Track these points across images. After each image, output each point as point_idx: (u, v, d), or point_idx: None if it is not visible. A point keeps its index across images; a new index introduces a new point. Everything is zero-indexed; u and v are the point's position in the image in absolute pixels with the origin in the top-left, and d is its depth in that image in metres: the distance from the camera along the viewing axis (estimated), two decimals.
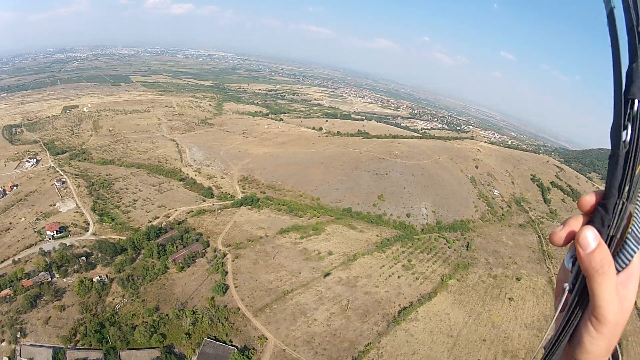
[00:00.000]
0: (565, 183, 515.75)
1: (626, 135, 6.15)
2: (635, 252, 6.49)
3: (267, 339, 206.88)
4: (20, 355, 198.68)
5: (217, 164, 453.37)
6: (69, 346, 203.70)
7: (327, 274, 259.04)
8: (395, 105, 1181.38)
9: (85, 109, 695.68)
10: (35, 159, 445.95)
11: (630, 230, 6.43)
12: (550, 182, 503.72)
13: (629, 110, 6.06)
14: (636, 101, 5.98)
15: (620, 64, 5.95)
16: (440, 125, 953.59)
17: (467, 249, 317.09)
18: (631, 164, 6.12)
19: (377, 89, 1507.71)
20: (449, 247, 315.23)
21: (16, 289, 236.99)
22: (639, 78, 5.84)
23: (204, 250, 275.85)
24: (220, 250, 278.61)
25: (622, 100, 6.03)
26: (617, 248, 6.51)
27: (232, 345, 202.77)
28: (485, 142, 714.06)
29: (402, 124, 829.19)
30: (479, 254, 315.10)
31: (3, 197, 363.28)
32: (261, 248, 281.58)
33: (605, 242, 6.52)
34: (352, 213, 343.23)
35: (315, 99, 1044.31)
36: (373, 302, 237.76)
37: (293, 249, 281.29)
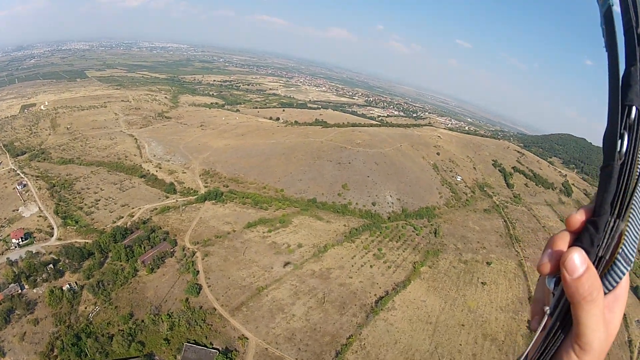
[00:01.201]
0: (527, 167, 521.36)
1: (621, 145, 5.63)
2: (624, 274, 5.99)
3: (247, 338, 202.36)
4: None
5: (177, 159, 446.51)
6: None
7: (299, 268, 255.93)
8: (351, 93, 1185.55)
9: (42, 107, 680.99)
10: None
11: (620, 250, 5.82)
12: (512, 167, 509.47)
13: (625, 118, 5.55)
14: (634, 108, 5.50)
15: (618, 67, 5.45)
16: (396, 113, 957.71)
17: (435, 236, 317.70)
18: (626, 177, 5.60)
19: (332, 78, 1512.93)
20: (417, 235, 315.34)
21: None
22: (637, 82, 5.39)
23: (172, 250, 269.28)
24: (188, 248, 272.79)
25: (618, 106, 5.54)
26: (605, 269, 5.96)
27: (213, 348, 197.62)
28: (443, 128, 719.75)
29: (358, 112, 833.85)
30: (447, 240, 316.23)
31: None
32: (230, 244, 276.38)
33: (593, 263, 6.13)
34: (318, 203, 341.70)
35: (270, 89, 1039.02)
36: (349, 293, 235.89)
37: (262, 243, 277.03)
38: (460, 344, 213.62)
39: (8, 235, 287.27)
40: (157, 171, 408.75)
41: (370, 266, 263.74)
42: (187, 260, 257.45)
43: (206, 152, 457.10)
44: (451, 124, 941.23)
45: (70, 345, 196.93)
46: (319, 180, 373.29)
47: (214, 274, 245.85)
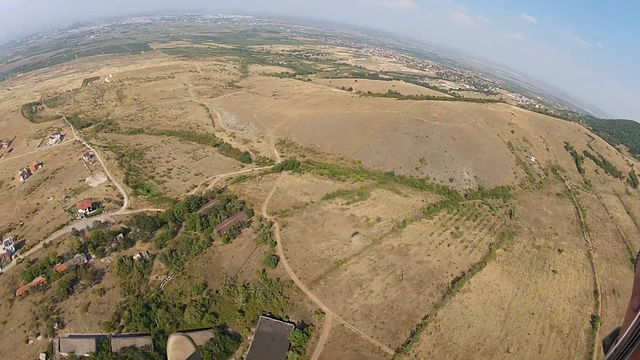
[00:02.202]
0: (597, 153, 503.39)
1: None
2: None
3: (324, 313, 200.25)
4: (59, 350, 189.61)
5: (251, 128, 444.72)
6: (113, 334, 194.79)
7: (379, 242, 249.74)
8: (421, 65, 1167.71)
9: (106, 80, 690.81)
10: (59, 135, 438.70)
11: None
12: (583, 152, 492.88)
13: None
14: None
15: None
16: (467, 86, 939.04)
17: (510, 217, 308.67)
18: None
19: (401, 49, 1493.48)
20: (493, 215, 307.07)
21: (50, 275, 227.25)
22: None
23: (249, 220, 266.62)
24: (266, 218, 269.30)
25: None
26: None
27: (289, 322, 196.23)
28: (515, 105, 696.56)
29: (430, 84, 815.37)
30: (521, 223, 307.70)
31: (28, 177, 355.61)
32: (308, 215, 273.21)
33: None
34: (395, 177, 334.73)
35: (340, 59, 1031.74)
36: (426, 271, 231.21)
37: (341, 216, 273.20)
38: (529, 333, 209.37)
39: (74, 206, 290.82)
40: (231, 140, 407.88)
41: (448, 245, 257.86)
42: (264, 230, 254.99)
43: (281, 122, 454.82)
44: (522, 101, 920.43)
45: (139, 315, 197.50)
46: (396, 153, 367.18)
47: (292, 245, 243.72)
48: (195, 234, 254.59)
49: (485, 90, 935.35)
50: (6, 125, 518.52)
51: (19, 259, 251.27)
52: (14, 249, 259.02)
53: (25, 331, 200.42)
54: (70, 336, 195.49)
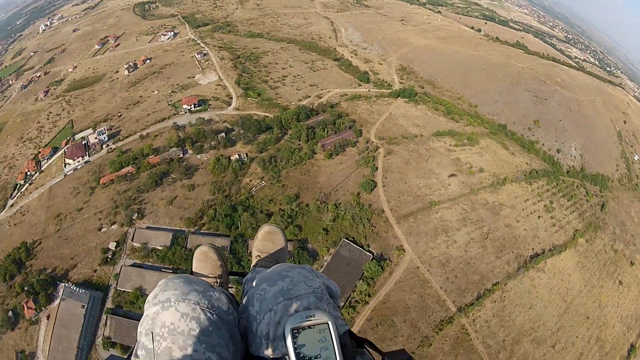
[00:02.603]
0: None
1: None
2: None
3: (404, 251, 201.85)
4: (132, 240, 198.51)
5: (374, 49, 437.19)
6: (192, 230, 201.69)
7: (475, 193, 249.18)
8: (551, 24, 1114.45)
9: None
10: (172, 32, 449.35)
11: None
12: None
13: None
14: None
15: None
16: (592, 60, 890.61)
17: (601, 209, 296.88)
18: None
19: (533, 1, 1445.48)
20: (587, 200, 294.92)
21: (140, 166, 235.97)
22: None
23: (355, 140, 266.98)
24: (372, 142, 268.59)
25: None
26: None
27: (368, 251, 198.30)
28: (632, 96, 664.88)
29: (557, 46, 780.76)
30: (609, 219, 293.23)
31: (134, 71, 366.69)
32: (415, 148, 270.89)
33: None
34: (507, 131, 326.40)
35: None
36: (511, 237, 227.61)
37: (446, 156, 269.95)
38: (577, 337, 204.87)
39: (179, 101, 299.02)
40: (352, 57, 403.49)
41: (538, 217, 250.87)
42: (368, 153, 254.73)
43: (405, 48, 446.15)
44: (637, 93, 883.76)
45: (224, 215, 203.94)
46: (513, 107, 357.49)
47: (392, 174, 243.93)
48: (299, 144, 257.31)
49: (608, 69, 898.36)
50: (115, 21, 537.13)
51: (110, 148, 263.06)
52: (106, 138, 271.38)
53: (100, 219, 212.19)
54: (147, 227, 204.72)
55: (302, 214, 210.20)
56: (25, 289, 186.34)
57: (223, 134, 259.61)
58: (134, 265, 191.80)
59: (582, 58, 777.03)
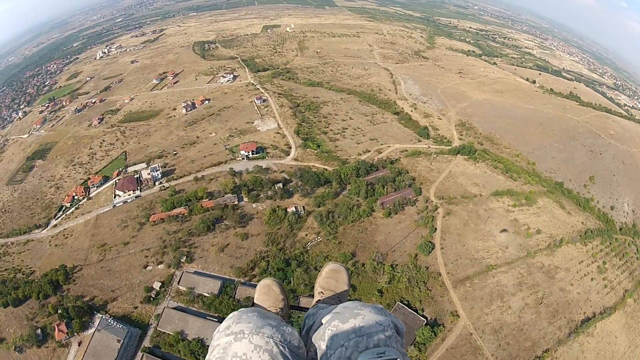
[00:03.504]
0: None
1: None
2: None
3: (459, 316, 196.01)
4: (178, 283, 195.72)
5: (434, 102, 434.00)
6: (242, 280, 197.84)
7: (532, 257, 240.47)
8: (601, 70, 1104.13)
9: (288, 29, 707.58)
10: (231, 75, 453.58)
11: None
12: None
13: None
14: None
15: None
16: None
17: None
18: None
19: (583, 48, 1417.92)
20: (637, 258, 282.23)
21: (193, 209, 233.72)
22: None
23: (415, 198, 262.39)
24: (432, 201, 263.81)
25: None
26: None
27: (422, 316, 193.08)
28: None
29: (607, 94, 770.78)
30: None
31: (192, 110, 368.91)
32: (473, 208, 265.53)
33: None
34: (564, 189, 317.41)
35: (525, 47, 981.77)
36: (564, 302, 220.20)
37: (505, 217, 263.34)
38: None
39: (237, 146, 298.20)
40: (411, 111, 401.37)
41: (591, 279, 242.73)
42: (427, 213, 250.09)
43: (464, 102, 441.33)
44: None
45: (276, 269, 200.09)
46: (569, 163, 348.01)
47: (451, 236, 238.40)
48: (357, 200, 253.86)
49: None
50: (174, 58, 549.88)
51: (163, 186, 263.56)
52: (160, 175, 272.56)
53: (147, 257, 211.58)
54: (195, 272, 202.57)
55: (358, 273, 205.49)
56: (59, 311, 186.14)
57: (280, 185, 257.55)
58: (177, 308, 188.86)
59: (631, 105, 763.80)
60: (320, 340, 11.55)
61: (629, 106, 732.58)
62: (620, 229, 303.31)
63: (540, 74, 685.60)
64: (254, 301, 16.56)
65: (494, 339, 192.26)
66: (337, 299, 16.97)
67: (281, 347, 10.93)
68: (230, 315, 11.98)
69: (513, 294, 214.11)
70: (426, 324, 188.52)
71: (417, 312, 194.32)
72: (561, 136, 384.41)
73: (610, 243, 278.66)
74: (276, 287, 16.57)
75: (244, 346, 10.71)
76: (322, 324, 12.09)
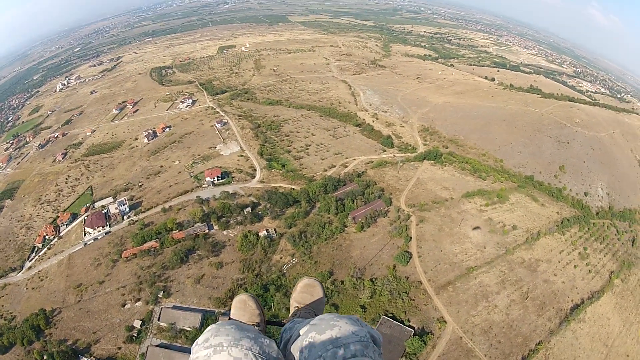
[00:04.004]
0: None
1: None
2: None
3: (446, 322, 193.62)
4: (159, 319, 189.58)
5: (394, 110, 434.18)
6: (222, 311, 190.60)
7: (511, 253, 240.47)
8: (559, 60, 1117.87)
9: (243, 49, 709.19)
10: (190, 100, 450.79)
11: None
12: None
13: None
14: None
15: None
16: (603, 90, 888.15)
17: (632, 245, 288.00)
18: None
19: (540, 41, 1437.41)
20: (618, 239, 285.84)
21: (164, 241, 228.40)
22: None
23: (386, 209, 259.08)
24: (403, 210, 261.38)
25: None
26: None
27: (409, 327, 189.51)
28: None
29: (568, 83, 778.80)
30: None
31: (153, 139, 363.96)
32: (446, 212, 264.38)
33: None
34: (534, 182, 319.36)
35: (481, 46, 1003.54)
36: (550, 293, 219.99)
37: (478, 217, 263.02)
38: None
39: (201, 173, 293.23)
40: (373, 121, 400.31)
41: (574, 266, 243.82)
42: (400, 223, 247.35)
43: (425, 108, 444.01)
44: None
45: (255, 296, 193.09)
46: (537, 156, 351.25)
47: (427, 243, 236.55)
48: (329, 217, 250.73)
49: (618, 96, 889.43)
50: (132, 86, 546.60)
51: (132, 220, 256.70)
52: (127, 209, 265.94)
53: (123, 294, 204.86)
54: (174, 307, 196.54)
55: (338, 291, 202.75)
56: (45, 357, 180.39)
57: (249, 209, 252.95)
58: (161, 345, 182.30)
59: (594, 90, 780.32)
60: (298, 352, 11.71)
61: (591, 92, 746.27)
62: (597, 213, 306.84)
63: (498, 70, 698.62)
64: (230, 317, 16.48)
65: (484, 340, 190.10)
66: (312, 312, 17.21)
67: (260, 359, 11.12)
68: (209, 328, 12.36)
69: (497, 292, 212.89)
70: (414, 334, 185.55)
71: (404, 324, 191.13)
72: (526, 130, 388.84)
73: (588, 229, 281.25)
74: (252, 302, 16.65)
75: (223, 358, 10.86)
76: (299, 335, 12.21)
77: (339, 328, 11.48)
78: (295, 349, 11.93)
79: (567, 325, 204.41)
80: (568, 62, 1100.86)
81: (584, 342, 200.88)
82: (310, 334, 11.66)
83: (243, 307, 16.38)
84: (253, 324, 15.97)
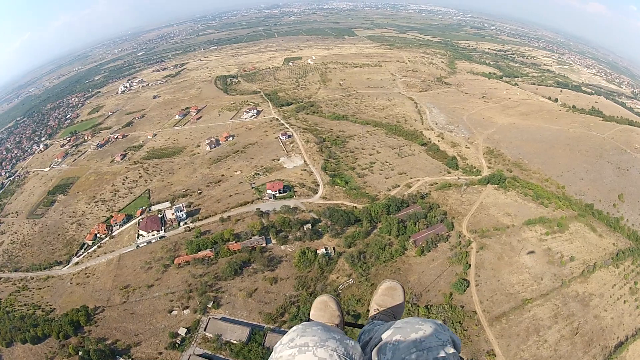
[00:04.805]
0: None
1: None
2: None
3: (495, 355, 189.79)
4: (205, 329, 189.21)
5: (460, 130, 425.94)
6: (271, 327, 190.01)
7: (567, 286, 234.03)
8: (618, 80, 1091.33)
9: (309, 61, 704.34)
10: (255, 110, 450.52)
11: None
12: None
13: None
14: None
15: None
16: None
17: None
18: None
19: (599, 59, 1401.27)
20: None
21: (219, 252, 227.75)
22: None
23: (447, 234, 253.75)
24: (465, 236, 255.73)
25: None
26: None
27: (459, 358, 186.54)
28: None
29: (626, 104, 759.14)
30: None
31: (216, 147, 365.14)
32: (507, 240, 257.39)
33: None
34: (594, 211, 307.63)
35: (544, 64, 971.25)
36: (598, 329, 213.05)
37: (538, 247, 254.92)
38: None
39: (263, 185, 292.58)
40: (439, 141, 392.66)
41: (624, 302, 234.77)
42: (461, 249, 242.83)
43: (490, 129, 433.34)
44: None
45: (307, 314, 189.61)
46: (598, 183, 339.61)
47: (485, 272, 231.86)
48: (389, 239, 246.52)
49: None
50: (196, 93, 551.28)
51: (188, 227, 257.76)
52: (184, 215, 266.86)
53: (172, 300, 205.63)
54: (222, 318, 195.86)
55: None
56: (80, 353, 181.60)
57: (309, 225, 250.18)
58: (204, 355, 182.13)
59: None
60: (382, 354, 11.65)
61: None
62: None
63: (561, 91, 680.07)
64: (310, 317, 16.85)
65: None
66: (392, 315, 17.64)
67: None
68: (294, 328, 12.02)
69: (549, 327, 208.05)
70: None
71: None
72: (588, 155, 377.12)
73: None
74: (332, 304, 16.80)
75: (308, 358, 10.71)
76: (381, 339, 12.18)
77: (424, 332, 11.63)
78: (378, 352, 11.90)
79: None
80: (626, 83, 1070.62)
81: None
82: (395, 336, 11.78)
83: (324, 308, 16.73)
84: (333, 325, 16.01)
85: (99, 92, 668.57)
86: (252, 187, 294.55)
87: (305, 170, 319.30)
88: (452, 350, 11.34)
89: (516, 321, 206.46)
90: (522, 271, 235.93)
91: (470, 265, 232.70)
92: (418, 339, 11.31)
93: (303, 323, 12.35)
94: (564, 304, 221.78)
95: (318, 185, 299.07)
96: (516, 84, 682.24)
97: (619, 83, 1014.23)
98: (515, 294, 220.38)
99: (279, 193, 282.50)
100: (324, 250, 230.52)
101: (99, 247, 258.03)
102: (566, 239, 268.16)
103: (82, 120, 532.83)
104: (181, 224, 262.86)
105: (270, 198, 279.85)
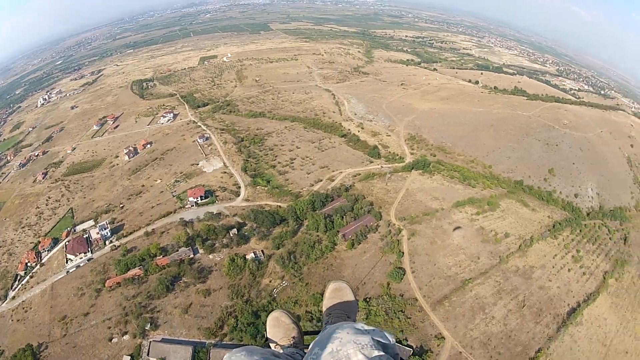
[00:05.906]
0: None
1: None
2: None
3: (444, 338, 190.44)
4: (148, 354, 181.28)
5: (380, 119, 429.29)
6: (213, 342, 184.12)
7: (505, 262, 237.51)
8: (542, 59, 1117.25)
9: (225, 59, 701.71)
10: (171, 114, 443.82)
11: None
12: None
13: None
14: None
15: None
16: (586, 87, 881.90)
17: (624, 243, 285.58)
18: None
19: (521, 41, 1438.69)
20: (610, 238, 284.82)
21: (148, 268, 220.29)
22: None
23: (376, 225, 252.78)
24: (394, 224, 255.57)
25: None
26: None
27: (407, 346, 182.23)
28: (632, 114, 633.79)
29: (551, 82, 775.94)
30: (633, 250, 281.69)
31: (134, 156, 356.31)
32: (437, 224, 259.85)
33: None
34: (524, 187, 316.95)
35: (463, 48, 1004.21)
36: (546, 299, 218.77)
37: (470, 227, 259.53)
38: None
39: (184, 192, 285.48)
40: (359, 131, 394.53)
41: (568, 270, 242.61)
42: (391, 238, 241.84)
43: (411, 115, 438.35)
44: (634, 107, 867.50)
45: (246, 324, 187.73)
46: (526, 160, 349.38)
47: (419, 257, 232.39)
48: (318, 236, 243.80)
49: (602, 92, 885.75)
50: (113, 100, 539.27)
51: (114, 245, 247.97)
52: (109, 233, 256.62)
53: (109, 327, 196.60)
54: (163, 340, 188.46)
55: None
56: None
57: (235, 230, 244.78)
58: None
59: (577, 88, 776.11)
60: None
61: (575, 90, 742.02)
62: (588, 214, 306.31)
63: (482, 73, 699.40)
64: (267, 336, 16.90)
65: (484, 352, 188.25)
66: (345, 315, 17.37)
67: None
68: (224, 357, 12.20)
69: (494, 303, 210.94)
70: (413, 353, 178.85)
71: (402, 343, 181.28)
72: (514, 135, 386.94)
73: (580, 230, 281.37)
74: (285, 318, 17.03)
75: None
76: (309, 352, 12.15)
77: (340, 340, 11.33)
78: None
79: (565, 330, 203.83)
80: (550, 61, 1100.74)
81: (582, 345, 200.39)
82: (314, 350, 11.57)
83: (277, 324, 17.01)
84: (289, 339, 16.35)
85: (20, 106, 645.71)
86: (174, 196, 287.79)
87: (225, 172, 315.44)
88: (375, 353, 10.75)
89: (459, 302, 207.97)
90: (458, 253, 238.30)
91: (403, 253, 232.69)
92: (334, 349, 11.04)
93: (231, 350, 12.44)
94: (506, 280, 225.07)
95: (239, 187, 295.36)
96: (435, 69, 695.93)
97: (543, 62, 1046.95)
98: (453, 275, 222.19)
99: (201, 199, 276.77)
100: (252, 254, 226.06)
101: (31, 277, 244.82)
102: (498, 217, 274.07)
103: (4, 139, 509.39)
104: (107, 242, 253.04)
105: (192, 206, 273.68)
